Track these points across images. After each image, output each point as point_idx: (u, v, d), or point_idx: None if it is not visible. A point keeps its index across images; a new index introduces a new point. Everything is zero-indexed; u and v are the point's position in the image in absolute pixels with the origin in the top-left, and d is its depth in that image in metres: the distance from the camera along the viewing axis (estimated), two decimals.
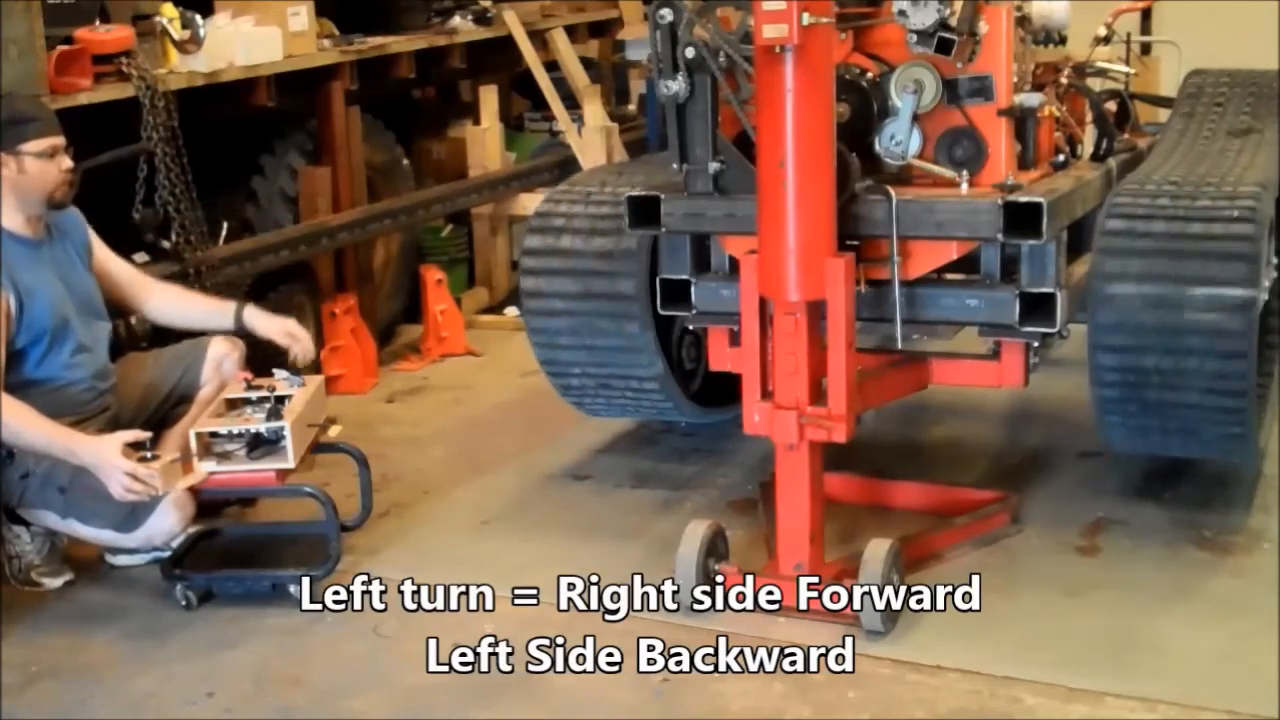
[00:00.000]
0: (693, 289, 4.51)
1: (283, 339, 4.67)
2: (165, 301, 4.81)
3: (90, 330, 4.53)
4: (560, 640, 4.02)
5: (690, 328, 4.87)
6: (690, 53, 4.07)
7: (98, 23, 5.23)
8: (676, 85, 4.11)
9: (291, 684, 3.90)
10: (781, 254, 3.90)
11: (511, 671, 3.89)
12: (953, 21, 4.05)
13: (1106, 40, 5.57)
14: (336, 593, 4.33)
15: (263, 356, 4.74)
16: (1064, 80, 4.89)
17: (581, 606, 4.21)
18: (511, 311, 7.13)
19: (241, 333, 4.73)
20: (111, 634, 4.19)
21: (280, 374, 4.60)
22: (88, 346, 4.49)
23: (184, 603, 4.30)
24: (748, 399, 4.13)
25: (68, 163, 4.44)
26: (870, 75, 4.29)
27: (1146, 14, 8.09)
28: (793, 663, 3.85)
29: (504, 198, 7.44)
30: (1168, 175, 4.53)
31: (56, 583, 4.47)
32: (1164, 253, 4.19)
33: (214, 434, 4.34)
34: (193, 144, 5.42)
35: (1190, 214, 4.23)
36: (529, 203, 7.04)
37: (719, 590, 4.15)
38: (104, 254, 4.71)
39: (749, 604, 4.11)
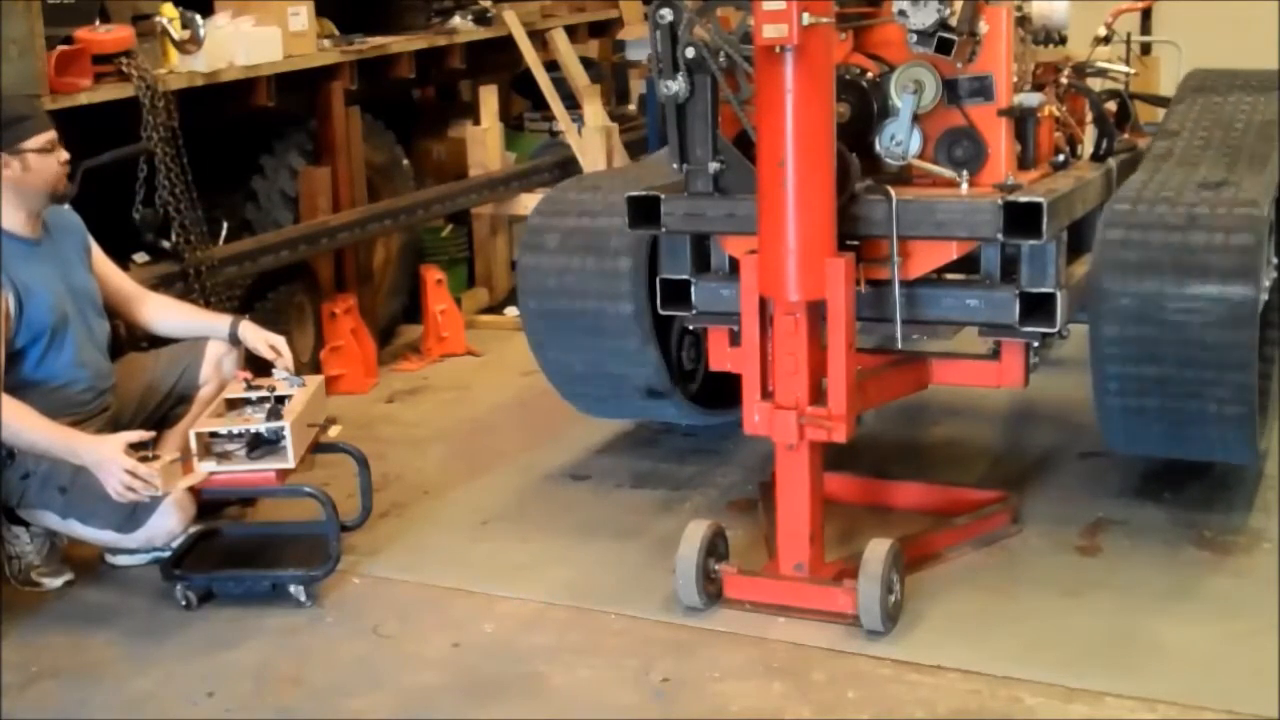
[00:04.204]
0: (693, 289, 4.51)
1: (267, 353, 4.68)
2: (161, 312, 4.81)
3: (90, 329, 4.53)
4: (560, 640, 4.03)
5: (690, 328, 4.88)
6: (690, 53, 4.06)
7: (98, 23, 5.23)
8: (676, 85, 4.10)
9: (291, 684, 3.90)
10: (781, 254, 3.90)
11: (511, 671, 3.89)
12: (953, 21, 4.05)
13: (1106, 40, 5.57)
14: (336, 593, 4.33)
15: (254, 364, 4.75)
16: (1064, 80, 4.89)
17: (581, 606, 4.21)
18: (511, 311, 7.13)
19: (234, 345, 4.74)
20: (111, 634, 4.19)
21: (280, 374, 4.60)
22: (87, 346, 4.49)
23: (184, 603, 4.31)
24: (748, 399, 4.13)
25: (64, 155, 4.45)
26: (870, 75, 4.29)
27: (1146, 14, 8.10)
28: (793, 663, 3.85)
29: (504, 198, 7.44)
30: (1168, 176, 4.53)
31: (56, 583, 4.48)
32: (1165, 253, 4.19)
33: (214, 434, 4.34)
34: (193, 144, 5.42)
35: (1191, 215, 4.23)
36: (529, 203, 7.04)
37: (719, 590, 4.15)
38: (101, 262, 4.71)
39: (749, 604, 4.11)
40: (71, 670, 4.00)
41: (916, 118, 4.21)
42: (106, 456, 4.10)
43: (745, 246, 4.14)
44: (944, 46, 4.06)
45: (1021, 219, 3.98)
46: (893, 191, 4.08)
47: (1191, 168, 4.65)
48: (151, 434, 4.30)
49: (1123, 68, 5.66)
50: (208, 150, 5.61)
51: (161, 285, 5.17)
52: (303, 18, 6.20)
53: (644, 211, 4.37)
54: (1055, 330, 4.22)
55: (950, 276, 4.33)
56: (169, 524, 4.24)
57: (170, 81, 5.40)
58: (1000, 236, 4.02)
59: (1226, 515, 4.65)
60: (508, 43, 7.59)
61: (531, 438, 5.65)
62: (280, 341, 4.72)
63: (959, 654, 3.86)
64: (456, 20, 7.32)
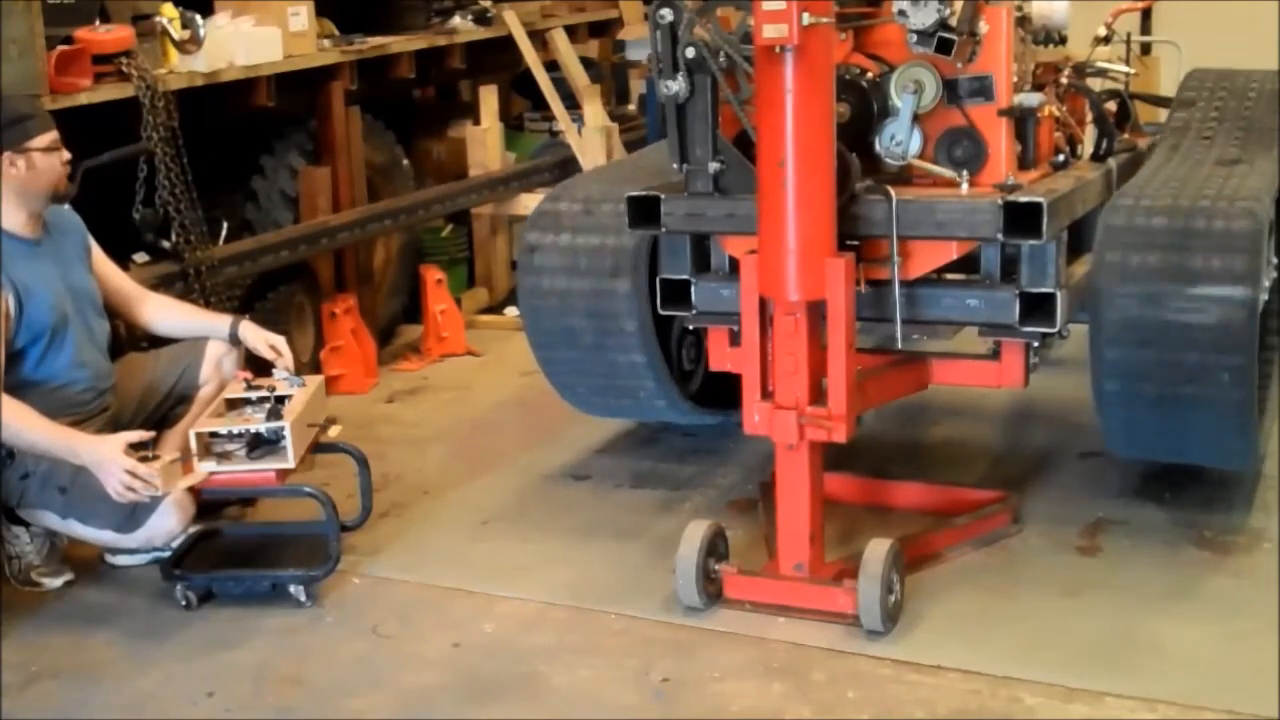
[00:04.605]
0: (693, 289, 4.51)
1: (267, 353, 4.68)
2: (161, 312, 4.81)
3: (90, 329, 4.53)
4: (560, 640, 4.03)
5: (690, 328, 4.88)
6: (690, 53, 4.07)
7: (98, 23, 5.23)
8: (676, 85, 4.11)
9: (291, 684, 3.90)
10: (781, 254, 3.90)
11: (511, 671, 3.89)
12: (953, 21, 4.05)
13: (1106, 40, 5.57)
14: (336, 593, 4.33)
15: (254, 364, 4.75)
16: (1064, 80, 4.89)
17: (581, 606, 4.21)
18: (511, 311, 7.13)
19: (234, 344, 4.74)
20: (111, 634, 4.19)
21: (280, 374, 4.60)
22: (87, 346, 4.49)
23: (184, 603, 4.31)
24: (748, 399, 4.13)
25: (66, 154, 4.46)
26: (870, 75, 4.29)
27: (1146, 14, 8.11)
28: (793, 663, 3.85)
29: (504, 198, 7.44)
30: (1169, 177, 4.53)
31: (56, 583, 4.48)
32: (1165, 253, 4.19)
33: (214, 434, 4.34)
34: (193, 144, 5.42)
35: (1191, 215, 4.23)
36: (529, 203, 7.04)
37: (719, 590, 4.15)
38: (101, 262, 4.71)
39: (749, 604, 4.11)
40: (71, 670, 4.00)
41: (916, 118, 4.21)
42: (106, 456, 4.10)
43: (745, 246, 4.14)
44: (944, 46, 4.06)
45: (1021, 219, 3.98)
46: (893, 191, 4.08)
47: (1207, 144, 4.77)
48: (151, 434, 4.30)
49: (1123, 68, 5.66)
50: (208, 150, 5.61)
51: (161, 285, 5.16)
52: (303, 18, 6.19)
53: (644, 211, 4.37)
54: (1055, 330, 4.22)
55: (950, 276, 4.33)
56: (169, 524, 4.24)
57: (170, 81, 5.40)
58: (1000, 236, 4.03)
59: (1226, 515, 4.65)
60: (508, 43, 7.59)
61: (531, 438, 5.65)
62: (280, 341, 4.72)
63: (959, 654, 3.86)
64: (456, 20, 7.32)
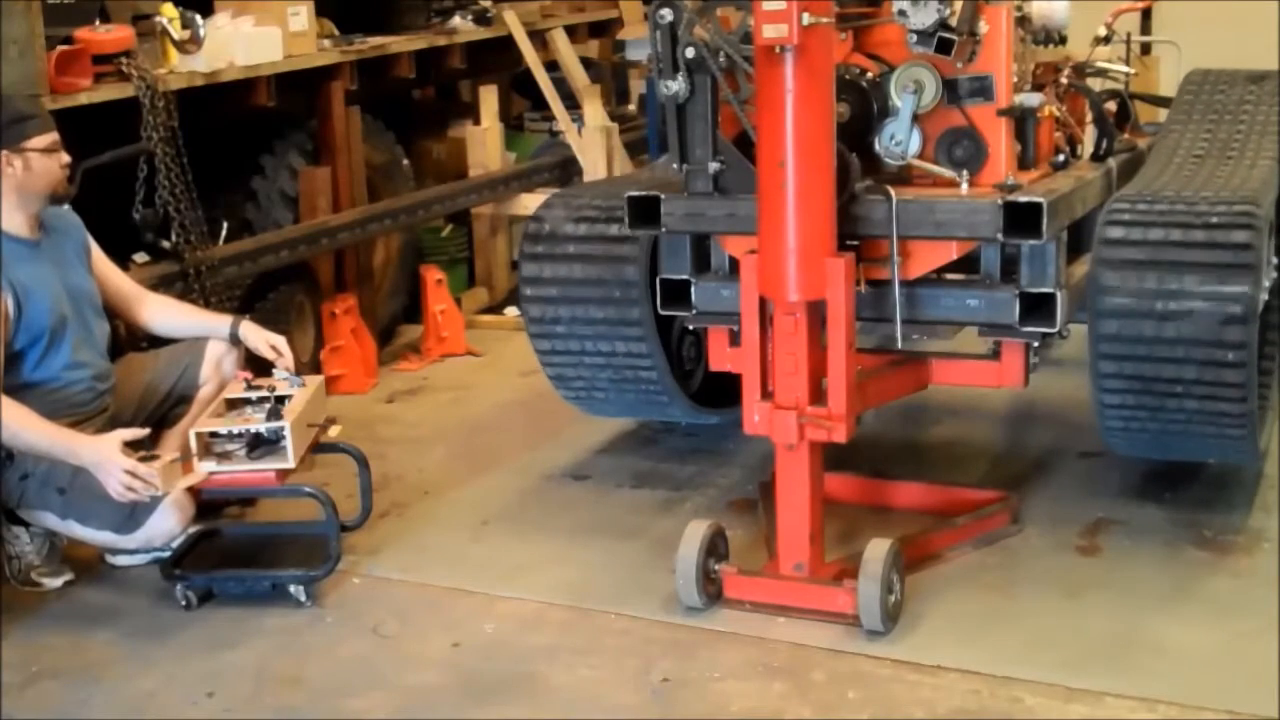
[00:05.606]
0: (693, 289, 4.51)
1: (267, 353, 4.68)
2: (161, 312, 4.81)
3: (89, 330, 4.53)
4: (560, 640, 4.03)
5: (690, 328, 4.87)
6: (690, 53, 4.07)
7: (98, 23, 5.23)
8: (676, 85, 4.11)
9: (291, 684, 3.90)
10: (781, 254, 3.91)
11: (511, 671, 3.89)
12: (953, 21, 4.05)
13: (1106, 40, 5.57)
14: (336, 593, 4.33)
15: (255, 364, 4.75)
16: (1064, 80, 4.89)
17: (581, 606, 4.21)
18: (511, 311, 7.13)
19: (235, 344, 4.74)
20: (111, 634, 4.19)
21: (280, 374, 4.60)
22: (86, 347, 4.49)
23: (184, 603, 4.30)
24: (748, 399, 4.13)
25: (66, 157, 4.46)
26: (870, 75, 4.29)
27: (1146, 14, 8.10)
28: (793, 663, 3.85)
29: (504, 198, 7.44)
30: (1168, 177, 4.53)
31: (56, 583, 4.48)
32: (1164, 255, 4.19)
33: (214, 434, 4.34)
34: (193, 144, 5.42)
35: (1190, 216, 4.23)
36: (529, 203, 7.05)
37: (719, 590, 4.15)
38: (102, 262, 4.71)
39: (749, 604, 4.11)
40: (71, 670, 4.00)
41: (916, 118, 4.21)
42: (106, 457, 4.09)
43: (745, 246, 4.14)
44: (944, 46, 4.06)
45: (1021, 219, 3.99)
46: (893, 191, 4.08)
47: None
48: (146, 431, 4.30)
49: (1123, 68, 5.66)
50: (208, 150, 5.61)
51: (161, 285, 5.16)
52: (303, 18, 6.20)
53: (644, 212, 4.37)
54: (1055, 330, 4.22)
55: (950, 276, 4.33)
56: (168, 524, 4.24)
57: (170, 81, 5.40)
58: (1000, 236, 4.03)
59: (1226, 515, 4.65)
60: (508, 43, 7.59)
61: (531, 438, 5.65)
62: (281, 341, 4.72)
63: (959, 654, 3.86)
64: (456, 20, 7.32)
